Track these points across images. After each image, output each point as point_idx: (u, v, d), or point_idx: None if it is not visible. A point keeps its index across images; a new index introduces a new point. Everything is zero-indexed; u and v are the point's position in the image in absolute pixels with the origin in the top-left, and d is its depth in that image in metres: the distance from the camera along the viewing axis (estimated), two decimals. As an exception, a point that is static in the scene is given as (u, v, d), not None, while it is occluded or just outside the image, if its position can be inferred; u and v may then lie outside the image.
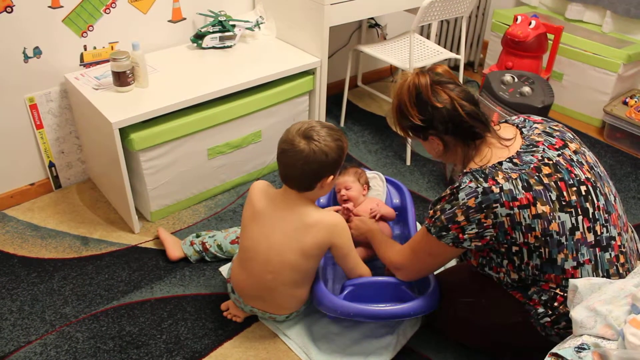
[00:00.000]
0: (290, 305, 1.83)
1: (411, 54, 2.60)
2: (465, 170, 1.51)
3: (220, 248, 2.11)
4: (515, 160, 1.48)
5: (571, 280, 1.36)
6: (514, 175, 1.44)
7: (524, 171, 1.45)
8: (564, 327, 1.46)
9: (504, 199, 1.42)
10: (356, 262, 1.80)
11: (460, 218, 1.46)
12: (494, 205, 1.42)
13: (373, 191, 2.32)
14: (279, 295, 1.78)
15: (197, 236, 2.15)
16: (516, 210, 1.42)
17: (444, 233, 1.51)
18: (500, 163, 1.48)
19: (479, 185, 1.44)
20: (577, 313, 1.27)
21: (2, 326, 1.87)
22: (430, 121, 1.53)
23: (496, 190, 1.42)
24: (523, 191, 1.42)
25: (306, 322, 1.90)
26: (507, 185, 1.42)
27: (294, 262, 1.71)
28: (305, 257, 1.71)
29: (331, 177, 1.68)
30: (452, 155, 1.60)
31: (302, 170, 1.63)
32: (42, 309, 1.94)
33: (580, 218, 1.45)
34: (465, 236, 1.48)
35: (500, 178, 1.43)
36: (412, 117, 1.54)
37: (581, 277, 1.45)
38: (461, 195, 1.46)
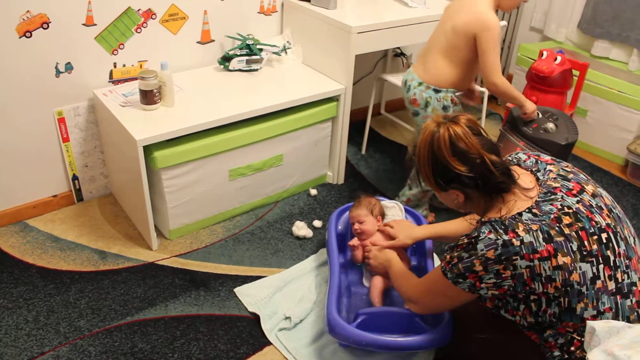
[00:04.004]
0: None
1: (435, 84, 2.60)
2: (483, 220, 1.47)
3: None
4: (534, 210, 1.44)
5: (589, 323, 1.33)
6: (534, 227, 1.40)
7: (544, 222, 1.41)
8: (580, 371, 1.42)
9: (524, 252, 1.38)
10: (492, 69, 2.13)
11: (479, 268, 1.43)
12: (514, 257, 1.38)
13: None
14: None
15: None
16: (536, 262, 1.38)
17: (461, 280, 1.48)
18: (520, 214, 1.43)
19: (498, 237, 1.40)
20: (594, 356, 1.24)
21: (17, 335, 1.89)
22: (456, 175, 1.48)
23: (517, 243, 1.38)
24: (544, 243, 1.38)
25: (317, 349, 1.89)
26: (527, 238, 1.38)
27: (450, 30, 2.17)
28: (456, 33, 2.15)
29: None
30: (472, 206, 1.56)
31: None
32: (57, 321, 1.95)
33: (601, 267, 1.41)
34: (483, 285, 1.45)
35: (520, 230, 1.39)
36: (453, 168, 1.46)
37: None
38: (480, 246, 1.41)
